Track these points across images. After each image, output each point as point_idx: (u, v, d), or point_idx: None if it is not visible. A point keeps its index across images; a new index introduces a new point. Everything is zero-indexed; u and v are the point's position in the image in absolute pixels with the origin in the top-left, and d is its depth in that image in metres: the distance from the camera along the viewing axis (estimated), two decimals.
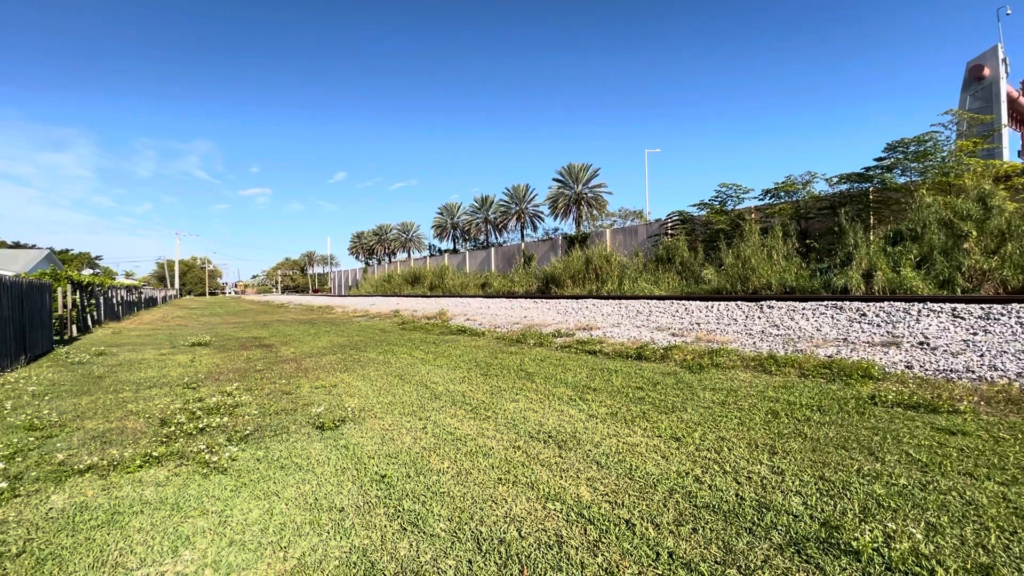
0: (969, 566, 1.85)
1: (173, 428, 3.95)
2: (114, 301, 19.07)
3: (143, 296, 29.36)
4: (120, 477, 3.04)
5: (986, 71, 23.18)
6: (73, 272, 14.55)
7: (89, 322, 15.05)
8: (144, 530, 2.39)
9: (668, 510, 2.40)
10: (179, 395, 5.33)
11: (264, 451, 3.46)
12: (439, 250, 62.75)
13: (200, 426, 3.97)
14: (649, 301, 13.33)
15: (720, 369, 5.57)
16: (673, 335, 8.07)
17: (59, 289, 12.30)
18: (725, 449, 3.16)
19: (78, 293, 13.99)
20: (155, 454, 3.35)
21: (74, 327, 12.90)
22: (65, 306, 12.43)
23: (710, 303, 11.53)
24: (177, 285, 72.34)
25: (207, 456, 3.27)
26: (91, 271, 56.60)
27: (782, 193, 18.31)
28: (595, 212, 45.54)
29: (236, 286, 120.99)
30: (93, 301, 15.77)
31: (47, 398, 5.35)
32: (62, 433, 4.02)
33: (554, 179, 46.39)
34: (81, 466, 3.17)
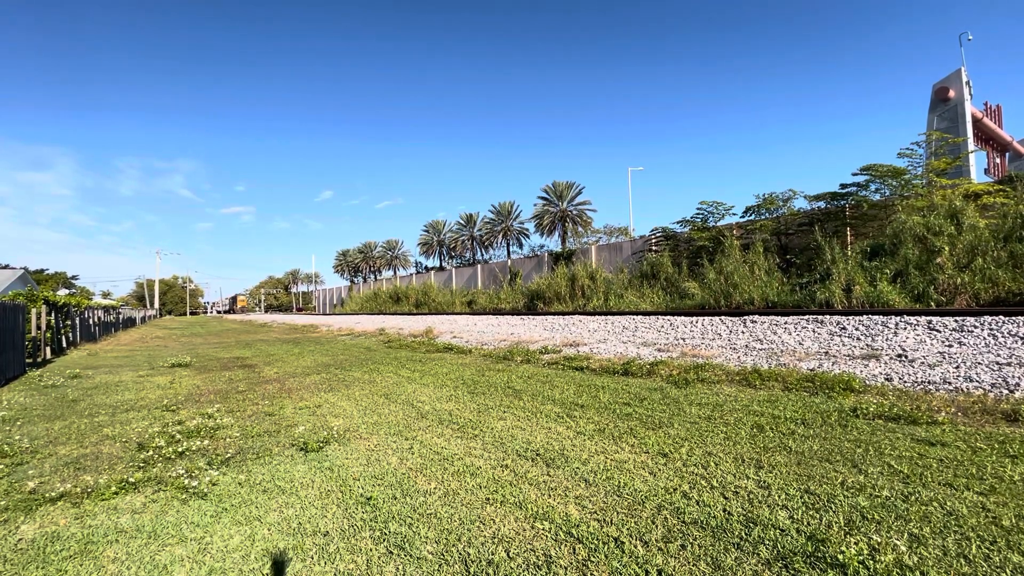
0: None
1: (151, 452, 3.84)
2: (91, 322, 18.58)
3: (121, 316, 28.66)
4: (94, 505, 2.94)
5: (951, 93, 24.20)
6: (48, 292, 14.18)
7: (64, 344, 14.62)
8: (119, 560, 2.31)
9: (656, 527, 2.40)
10: (158, 418, 5.19)
11: (246, 474, 3.38)
12: (425, 267, 62.55)
13: (179, 450, 3.86)
14: (635, 317, 13.42)
15: (706, 384, 5.62)
16: (659, 350, 8.13)
17: (33, 310, 11.96)
18: (712, 464, 3.17)
19: (53, 314, 13.62)
20: (132, 480, 3.24)
21: (48, 349, 12.53)
22: (39, 327, 12.08)
23: (695, 318, 11.65)
24: (157, 305, 70.72)
25: (186, 481, 3.18)
26: (67, 291, 55.20)
27: (763, 209, 18.74)
28: (580, 229, 45.97)
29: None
30: (68, 322, 15.35)
31: (18, 423, 5.16)
32: (33, 460, 3.88)
33: (539, 197, 46.75)
34: (53, 494, 3.06)
